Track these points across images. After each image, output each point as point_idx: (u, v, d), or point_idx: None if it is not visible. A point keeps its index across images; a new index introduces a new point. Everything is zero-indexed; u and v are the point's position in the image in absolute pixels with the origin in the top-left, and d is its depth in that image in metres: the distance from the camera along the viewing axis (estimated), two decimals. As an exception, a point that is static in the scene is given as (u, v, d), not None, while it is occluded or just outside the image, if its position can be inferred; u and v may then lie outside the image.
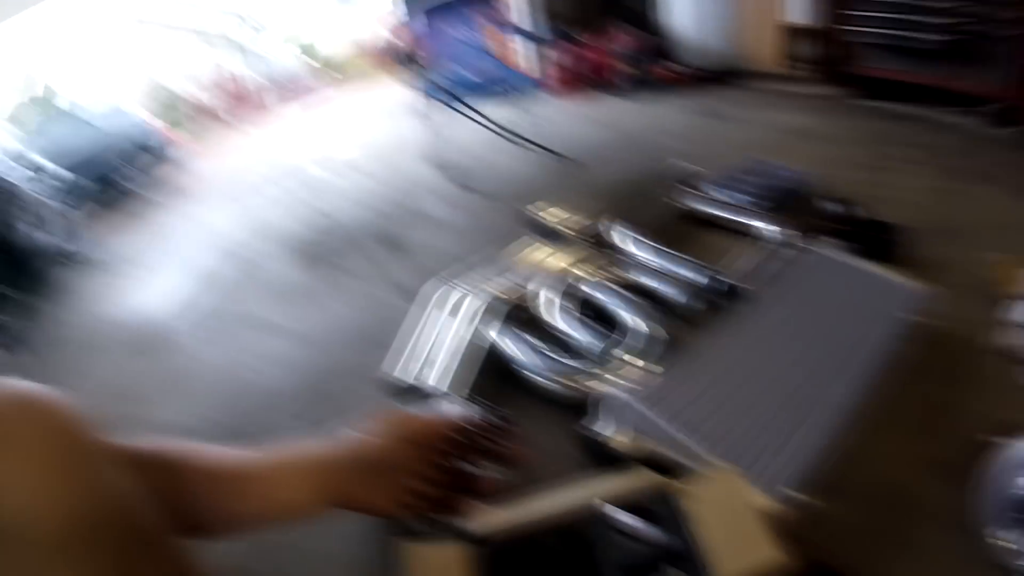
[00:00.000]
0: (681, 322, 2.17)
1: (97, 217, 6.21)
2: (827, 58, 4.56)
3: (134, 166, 7.02)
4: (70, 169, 6.03)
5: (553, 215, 2.81)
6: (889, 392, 1.80)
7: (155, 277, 3.68)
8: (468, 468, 0.83)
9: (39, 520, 0.54)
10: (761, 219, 2.59)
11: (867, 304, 1.94)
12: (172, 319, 2.98)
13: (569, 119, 4.69)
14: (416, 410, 0.83)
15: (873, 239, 2.34)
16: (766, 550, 1.11)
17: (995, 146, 3.37)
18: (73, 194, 5.73)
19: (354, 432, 0.81)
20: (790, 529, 1.43)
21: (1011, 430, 1.56)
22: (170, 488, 0.75)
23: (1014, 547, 1.34)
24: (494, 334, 2.08)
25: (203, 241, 4.05)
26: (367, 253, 3.13)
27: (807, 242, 2.34)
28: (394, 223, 3.43)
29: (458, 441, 0.82)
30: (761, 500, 1.34)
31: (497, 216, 3.27)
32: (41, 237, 4.37)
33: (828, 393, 1.64)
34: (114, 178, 6.79)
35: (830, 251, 2.18)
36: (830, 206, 2.53)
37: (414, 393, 1.94)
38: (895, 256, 2.35)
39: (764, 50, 4.99)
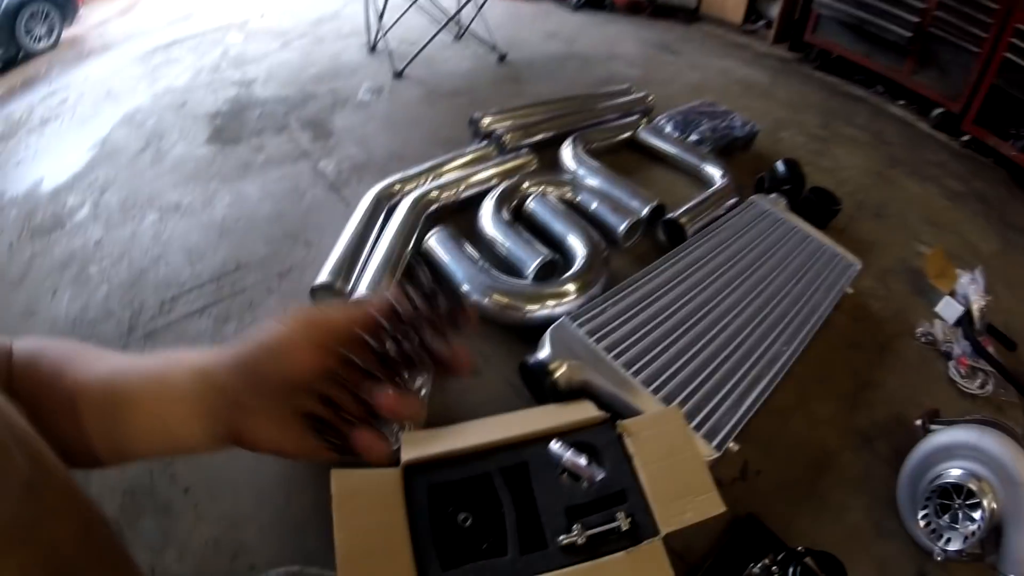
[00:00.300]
0: (620, 250, 2.10)
1: None
2: (789, 22, 4.55)
3: (39, 21, 6.34)
4: None
5: (497, 122, 2.64)
6: (821, 358, 1.83)
7: (51, 147, 3.21)
8: (407, 350, 0.57)
9: None
10: (709, 162, 2.54)
11: (806, 266, 1.98)
12: (67, 195, 2.59)
13: (518, 24, 4.43)
14: (331, 307, 0.56)
15: (814, 204, 2.36)
16: (706, 497, 1.08)
17: (937, 147, 3.50)
18: None
19: (249, 338, 0.57)
20: (722, 477, 1.44)
21: (934, 417, 1.62)
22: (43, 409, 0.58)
23: (932, 529, 1.39)
24: (431, 242, 1.94)
25: (104, 108, 3.55)
26: (289, 136, 2.84)
27: (750, 193, 2.33)
28: (320, 106, 3.11)
29: (386, 327, 0.57)
30: (700, 445, 1.31)
31: (433, 113, 3.06)
32: None
33: (765, 347, 1.64)
34: (13, 36, 6.11)
35: (772, 206, 2.17)
36: (778, 163, 2.48)
37: (337, 295, 1.77)
38: (830, 225, 2.38)
39: (728, -2, 4.90)
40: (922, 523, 1.42)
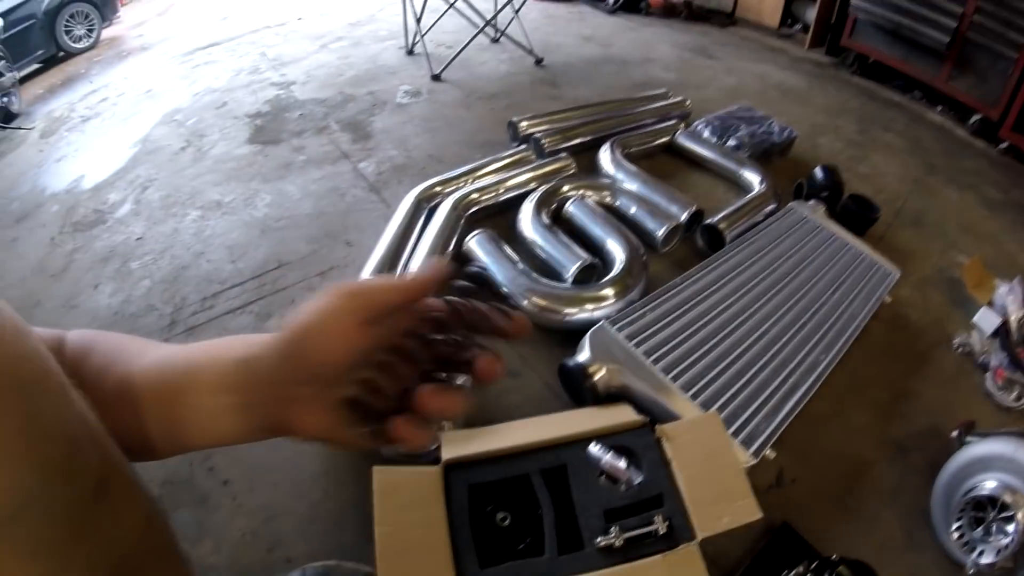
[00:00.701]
0: (659, 254, 2.12)
1: (32, 77, 5.63)
2: (826, 26, 4.50)
3: (79, 21, 6.42)
4: (9, 21, 5.49)
5: (535, 125, 2.66)
6: (858, 367, 1.82)
7: (93, 145, 3.27)
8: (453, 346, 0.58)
9: None
10: (747, 167, 2.53)
11: (844, 274, 1.97)
12: (108, 191, 2.64)
13: (554, 27, 4.45)
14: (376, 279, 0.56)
15: (852, 211, 2.33)
16: (743, 503, 1.08)
17: (976, 155, 3.44)
18: (10, 47, 5.20)
19: (293, 320, 0.54)
20: (757, 484, 1.43)
21: (969, 429, 1.60)
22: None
23: (965, 541, 1.37)
24: (471, 244, 1.96)
25: (144, 106, 3.61)
26: (329, 137, 2.88)
27: (789, 199, 2.32)
28: (359, 108, 3.15)
29: (436, 312, 0.57)
30: (738, 451, 1.31)
31: (471, 116, 3.08)
32: None
33: (803, 354, 1.64)
34: (53, 36, 6.17)
35: (811, 213, 2.17)
36: (816, 169, 2.47)
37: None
38: (868, 233, 2.36)
39: (764, 1, 4.89)
40: (955, 535, 1.40)
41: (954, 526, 1.41)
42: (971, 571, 1.34)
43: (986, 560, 1.32)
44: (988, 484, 1.37)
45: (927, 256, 2.42)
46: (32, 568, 0.45)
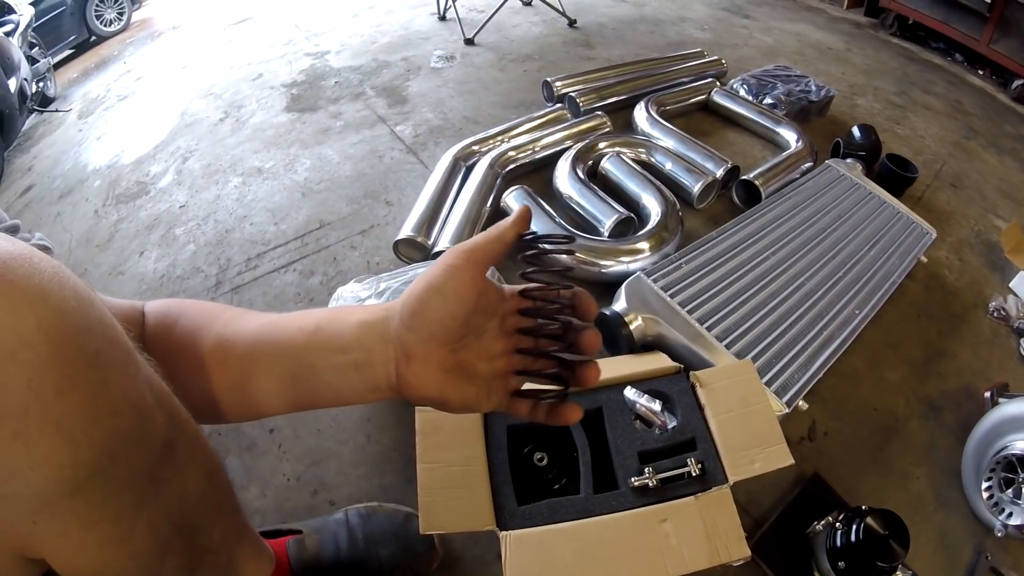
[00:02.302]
0: (694, 210, 2.13)
1: (67, 62, 5.77)
2: (866, -15, 4.39)
3: (108, 5, 6.56)
4: (41, 9, 5.59)
5: (570, 85, 2.66)
6: (893, 325, 1.82)
7: (131, 121, 3.33)
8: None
9: (32, 473, 0.41)
10: (784, 125, 2.51)
11: (880, 232, 1.96)
12: (149, 164, 2.71)
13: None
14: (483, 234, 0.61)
15: (890, 171, 2.31)
16: (775, 449, 1.11)
17: (1017, 120, 3.38)
18: (43, 35, 5.30)
19: (413, 285, 0.60)
20: (790, 436, 1.45)
21: (1003, 390, 1.60)
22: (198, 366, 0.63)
23: (994, 502, 1.38)
24: (508, 200, 1.98)
25: (180, 82, 3.66)
26: (365, 103, 2.90)
27: (826, 157, 2.32)
28: (394, 74, 3.17)
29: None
30: (771, 399, 1.33)
31: (505, 78, 3.08)
32: (9, 82, 3.96)
33: (838, 309, 1.65)
34: (84, 21, 6.34)
35: (848, 171, 2.16)
36: (854, 128, 2.44)
37: (419, 248, 1.84)
38: (906, 193, 2.34)
39: (801, -42, 4.76)
40: (985, 495, 1.40)
41: (984, 486, 1.41)
42: (999, 533, 1.34)
43: (1015, 522, 1.32)
44: (1020, 444, 1.36)
45: (965, 219, 2.39)
46: (95, 535, 0.48)
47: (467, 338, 0.61)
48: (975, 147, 2.93)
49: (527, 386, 0.66)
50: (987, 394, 1.62)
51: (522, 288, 0.65)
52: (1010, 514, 1.34)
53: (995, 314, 1.97)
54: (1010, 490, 1.36)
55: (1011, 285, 2.07)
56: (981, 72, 3.76)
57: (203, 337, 0.65)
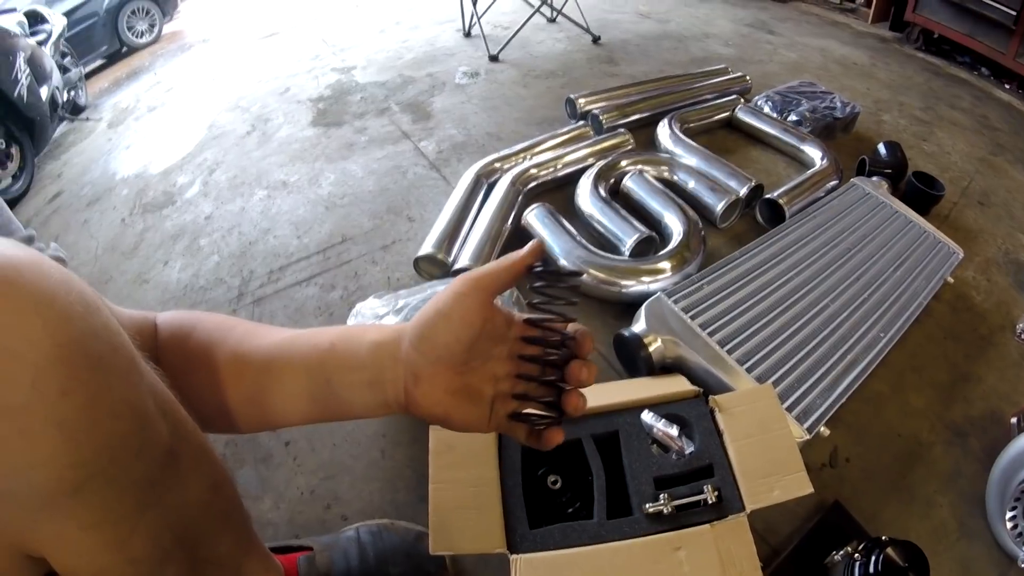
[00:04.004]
0: (717, 229, 2.13)
1: (98, 72, 5.88)
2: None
3: (140, 17, 6.72)
4: (73, 20, 5.70)
5: (593, 102, 2.66)
6: (919, 347, 1.80)
7: (160, 132, 3.41)
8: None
9: (34, 471, 0.43)
10: (809, 143, 2.49)
11: (906, 252, 1.93)
12: (176, 175, 2.77)
13: (611, 5, 4.43)
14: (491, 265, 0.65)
15: (916, 189, 2.29)
16: (794, 477, 1.09)
17: (1046, 133, 3.28)
18: (74, 45, 5.41)
19: (424, 310, 0.64)
20: (811, 462, 1.43)
21: None
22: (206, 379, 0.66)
23: (1019, 532, 1.36)
24: (530, 218, 1.99)
25: (208, 95, 3.74)
26: (390, 118, 2.93)
27: (851, 175, 2.30)
28: (419, 89, 3.20)
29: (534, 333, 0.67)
30: (792, 426, 1.31)
31: (528, 94, 3.10)
32: (41, 90, 4.04)
33: (862, 332, 1.63)
34: (115, 32, 6.50)
35: (874, 190, 2.14)
36: (880, 146, 2.42)
37: (440, 265, 1.86)
38: (932, 211, 2.31)
39: (825, -27, 4.76)
40: (1009, 525, 1.35)
41: (1008, 515, 1.36)
42: (1023, 564, 1.29)
43: (1040, 553, 1.28)
44: (1046, 473, 1.32)
45: (993, 237, 2.34)
46: (94, 538, 0.49)
47: (474, 361, 0.64)
48: (1002, 163, 2.88)
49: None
50: (1013, 420, 1.58)
51: (527, 317, 0.67)
52: (1035, 545, 1.30)
53: (1023, 336, 1.93)
54: (1035, 520, 1.32)
55: (1043, 309, 2.02)
56: (1008, 86, 3.69)
57: (218, 350, 0.68)
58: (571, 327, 0.67)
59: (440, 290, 0.63)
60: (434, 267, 1.86)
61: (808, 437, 1.34)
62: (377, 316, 1.48)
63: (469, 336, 0.61)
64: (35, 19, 4.90)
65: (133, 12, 6.63)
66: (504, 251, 1.90)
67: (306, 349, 0.67)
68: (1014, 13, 3.33)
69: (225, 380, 0.66)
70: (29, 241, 0.70)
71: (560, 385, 0.68)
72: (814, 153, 2.42)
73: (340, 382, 0.65)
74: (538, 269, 0.65)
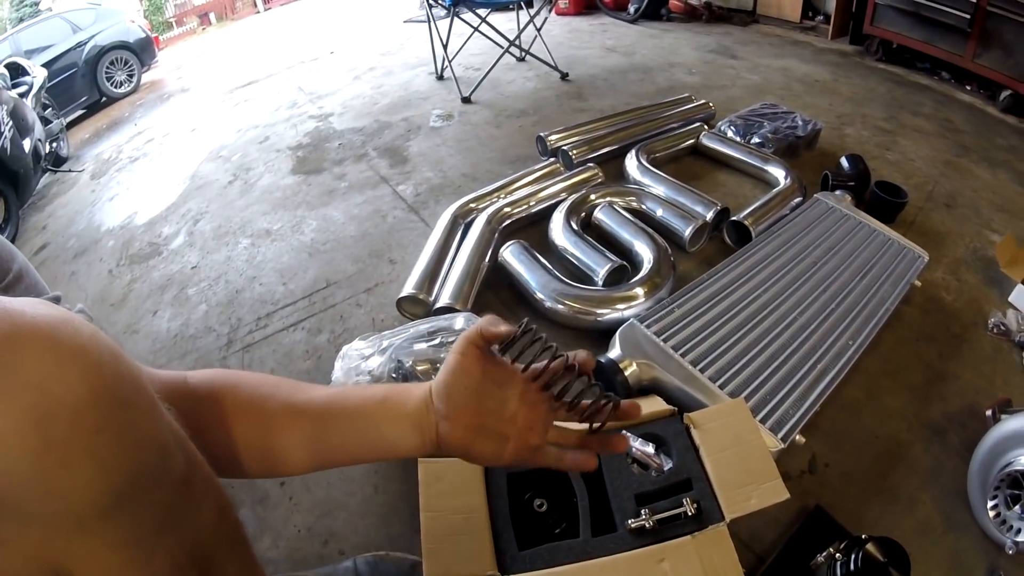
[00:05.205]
0: (687, 254, 2.19)
1: (79, 123, 5.96)
2: (848, 14, 4.52)
3: (119, 68, 6.82)
4: (53, 71, 5.79)
5: (563, 139, 2.76)
6: (892, 352, 1.85)
7: (143, 183, 3.49)
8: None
9: (72, 496, 0.49)
10: (772, 163, 2.58)
11: (871, 261, 1.99)
12: (162, 225, 2.84)
13: (578, 41, 4.57)
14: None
15: (880, 199, 2.36)
16: (770, 484, 1.13)
17: (1008, 131, 3.40)
18: (55, 96, 5.48)
19: (442, 369, 0.77)
20: (790, 471, 1.47)
21: (1005, 406, 1.60)
22: (238, 424, 0.76)
23: (1002, 520, 1.38)
24: (506, 255, 2.05)
25: (189, 145, 3.84)
26: (368, 163, 3.02)
27: (816, 191, 2.36)
28: (395, 134, 3.30)
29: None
30: (766, 436, 1.36)
31: (501, 134, 3.19)
32: (24, 143, 4.08)
33: (831, 341, 1.68)
34: (95, 82, 6.59)
35: (837, 203, 2.21)
36: (842, 159, 2.50)
37: (421, 305, 1.91)
38: (898, 218, 2.39)
39: (783, -5, 4.89)
40: (991, 513, 1.39)
41: (990, 504, 1.40)
42: (1010, 551, 1.33)
43: (1024, 538, 1.31)
44: (1023, 459, 1.36)
45: (960, 237, 2.41)
46: (121, 556, 0.55)
47: (488, 404, 0.75)
48: (967, 164, 2.97)
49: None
50: (989, 412, 1.62)
51: (523, 369, 0.77)
52: (1018, 531, 1.33)
53: (995, 330, 1.98)
54: (1017, 507, 1.36)
55: (1010, 299, 2.08)
56: (969, 87, 3.81)
57: (269, 402, 0.79)
58: (558, 364, 0.77)
59: (432, 323, 0.74)
60: (416, 307, 1.91)
61: (783, 446, 1.39)
62: (363, 356, 1.53)
63: (472, 384, 0.74)
64: (16, 71, 4.99)
65: (112, 63, 6.70)
66: (482, 288, 1.98)
67: (360, 401, 0.79)
68: (968, 16, 3.44)
69: (278, 428, 0.77)
70: (56, 300, 0.78)
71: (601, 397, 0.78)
72: (777, 173, 2.51)
73: (391, 427, 0.77)
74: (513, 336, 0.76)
